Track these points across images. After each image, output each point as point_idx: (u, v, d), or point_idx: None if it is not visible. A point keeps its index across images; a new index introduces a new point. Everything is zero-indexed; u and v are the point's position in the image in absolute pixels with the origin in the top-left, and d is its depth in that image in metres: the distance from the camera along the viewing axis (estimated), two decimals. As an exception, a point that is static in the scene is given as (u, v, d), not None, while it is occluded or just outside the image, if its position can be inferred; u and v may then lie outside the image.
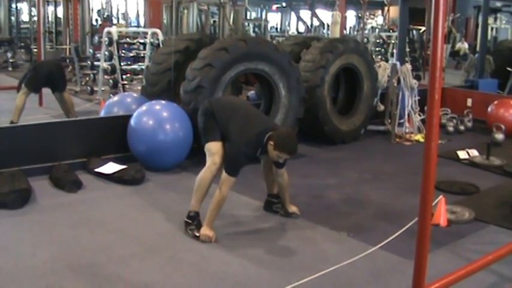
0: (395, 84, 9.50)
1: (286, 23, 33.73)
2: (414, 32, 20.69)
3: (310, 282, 4.17)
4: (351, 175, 7.29)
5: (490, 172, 7.54)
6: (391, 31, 21.23)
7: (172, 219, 5.35)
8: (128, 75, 12.17)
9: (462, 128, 10.20)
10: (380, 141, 9.34)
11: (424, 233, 2.95)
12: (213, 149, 5.07)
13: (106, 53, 11.73)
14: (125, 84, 11.72)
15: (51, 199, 5.87)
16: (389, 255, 4.73)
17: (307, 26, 24.71)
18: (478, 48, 16.00)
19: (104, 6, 23.20)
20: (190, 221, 5.04)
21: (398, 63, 9.64)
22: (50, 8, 20.67)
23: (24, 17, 24.83)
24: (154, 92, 8.04)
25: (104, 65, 11.78)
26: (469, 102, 11.00)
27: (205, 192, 5.04)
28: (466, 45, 22.61)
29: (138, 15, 26.21)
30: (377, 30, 23.63)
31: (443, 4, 2.74)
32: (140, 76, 11.56)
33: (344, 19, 12.24)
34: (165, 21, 20.95)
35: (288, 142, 4.85)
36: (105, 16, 22.27)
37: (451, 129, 10.06)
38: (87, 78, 13.92)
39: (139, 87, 10.55)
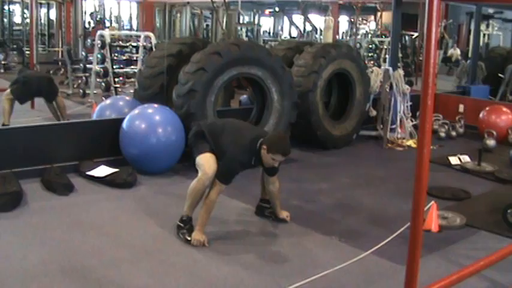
0: (387, 90, 9.52)
1: (279, 28, 33.68)
2: (407, 37, 20.79)
3: None
4: (343, 180, 7.29)
5: (482, 178, 7.56)
6: (383, 36, 21.28)
7: (164, 222, 5.34)
8: (121, 78, 12.15)
9: (454, 133, 10.23)
10: (372, 147, 9.36)
11: (416, 239, 2.95)
12: (203, 160, 4.99)
13: (99, 55, 11.71)
14: (118, 87, 11.69)
15: (43, 202, 5.85)
16: (381, 261, 4.74)
17: (300, 31, 24.74)
18: (470, 55, 16.12)
19: (97, 9, 23.17)
20: (182, 225, 5.04)
21: (390, 69, 9.65)
22: (43, 10, 20.66)
23: (17, 19, 24.76)
24: (146, 96, 8.03)
25: (97, 67, 11.74)
26: (461, 108, 11.05)
27: (198, 200, 5.01)
28: (458, 51, 22.70)
29: (130, 18, 26.17)
30: (369, 35, 23.66)
31: (437, 10, 2.75)
32: (133, 79, 11.55)
33: (337, 24, 12.29)
34: (158, 24, 20.98)
35: (281, 143, 4.88)
36: (98, 19, 22.24)
37: (442, 134, 10.08)
38: (80, 81, 13.90)
39: (131, 91, 10.54)
